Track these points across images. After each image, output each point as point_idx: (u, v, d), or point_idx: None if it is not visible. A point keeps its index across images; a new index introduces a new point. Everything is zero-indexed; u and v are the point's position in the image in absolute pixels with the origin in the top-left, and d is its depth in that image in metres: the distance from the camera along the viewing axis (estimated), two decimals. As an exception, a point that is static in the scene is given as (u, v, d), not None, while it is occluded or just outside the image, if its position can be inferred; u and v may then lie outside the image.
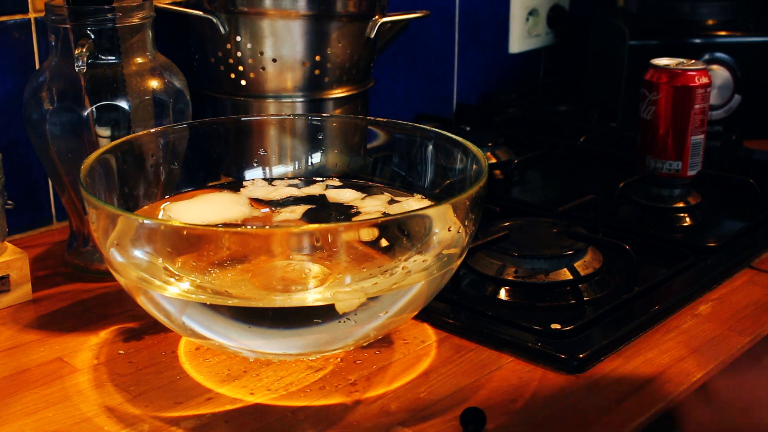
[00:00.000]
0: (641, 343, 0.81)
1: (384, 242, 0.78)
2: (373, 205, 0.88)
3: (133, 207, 0.86)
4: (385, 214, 0.86)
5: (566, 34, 1.63)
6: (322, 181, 0.93)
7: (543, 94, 1.57)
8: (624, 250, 0.89)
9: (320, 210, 0.90)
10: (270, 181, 0.93)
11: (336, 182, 0.93)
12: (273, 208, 0.90)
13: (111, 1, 0.88)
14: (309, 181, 0.94)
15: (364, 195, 0.91)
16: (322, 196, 0.91)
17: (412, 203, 0.88)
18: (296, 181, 0.94)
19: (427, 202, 0.88)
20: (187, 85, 0.95)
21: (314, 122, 0.96)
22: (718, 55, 1.33)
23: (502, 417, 0.70)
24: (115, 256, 0.73)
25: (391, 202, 0.89)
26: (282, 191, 0.92)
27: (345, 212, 0.88)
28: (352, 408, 0.71)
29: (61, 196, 0.95)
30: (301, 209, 0.89)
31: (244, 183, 0.93)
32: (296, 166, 0.96)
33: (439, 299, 0.81)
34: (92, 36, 0.87)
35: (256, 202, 0.90)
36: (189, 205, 0.89)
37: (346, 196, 0.91)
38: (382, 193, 0.90)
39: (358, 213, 0.88)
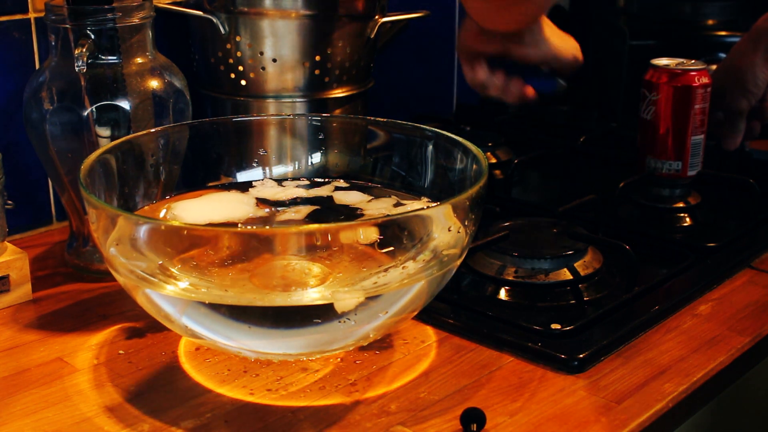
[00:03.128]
0: (641, 343, 0.81)
1: (384, 242, 0.78)
2: (378, 208, 0.88)
3: (133, 207, 0.86)
4: (386, 216, 0.86)
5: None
6: (329, 182, 0.93)
7: (543, 94, 1.57)
8: (624, 250, 0.89)
9: (325, 211, 0.89)
10: (279, 181, 0.93)
11: (344, 184, 0.93)
12: (277, 209, 0.90)
13: (111, 1, 0.88)
14: (317, 183, 0.93)
15: (370, 198, 0.90)
16: (330, 198, 0.91)
17: (418, 207, 0.87)
18: (305, 182, 0.93)
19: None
20: (187, 85, 0.95)
21: (314, 122, 0.96)
22: (719, 55, 1.32)
23: (502, 417, 0.70)
24: (115, 256, 0.73)
25: (397, 205, 0.89)
26: (290, 192, 0.91)
27: (350, 214, 0.88)
28: (352, 408, 0.71)
29: (61, 196, 0.95)
30: (306, 210, 0.89)
31: (254, 183, 0.93)
32: (296, 166, 0.96)
33: (439, 299, 0.81)
34: (92, 36, 0.87)
35: (263, 202, 0.90)
36: (194, 203, 0.89)
37: (353, 198, 0.91)
38: (389, 196, 0.90)
39: (362, 215, 0.88)
